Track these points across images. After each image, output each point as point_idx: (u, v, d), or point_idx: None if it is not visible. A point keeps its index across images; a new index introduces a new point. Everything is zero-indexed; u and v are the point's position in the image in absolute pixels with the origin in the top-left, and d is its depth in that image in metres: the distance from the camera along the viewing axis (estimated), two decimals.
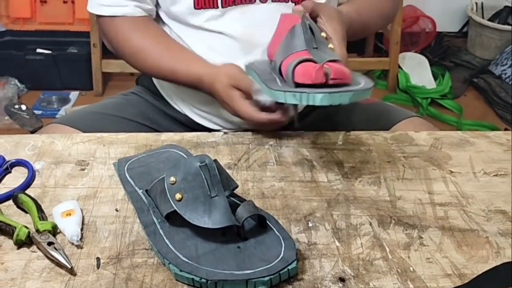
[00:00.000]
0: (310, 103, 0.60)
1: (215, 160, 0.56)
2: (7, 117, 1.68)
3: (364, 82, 0.64)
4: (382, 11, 0.88)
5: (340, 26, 0.71)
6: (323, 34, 0.69)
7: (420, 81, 2.07)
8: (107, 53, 1.89)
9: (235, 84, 0.71)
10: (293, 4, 0.80)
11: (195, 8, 0.78)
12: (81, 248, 0.55)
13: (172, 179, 0.55)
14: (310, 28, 0.67)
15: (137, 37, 0.80)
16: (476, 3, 2.26)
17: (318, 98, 0.59)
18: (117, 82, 2.01)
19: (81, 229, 0.56)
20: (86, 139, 0.73)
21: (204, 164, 0.55)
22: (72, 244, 0.55)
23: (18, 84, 1.83)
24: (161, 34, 0.82)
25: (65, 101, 1.91)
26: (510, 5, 2.23)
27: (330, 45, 0.68)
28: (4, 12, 2.01)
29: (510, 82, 1.97)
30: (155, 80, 0.92)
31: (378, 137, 0.76)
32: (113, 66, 1.88)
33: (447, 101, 2.02)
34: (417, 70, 2.10)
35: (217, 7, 0.78)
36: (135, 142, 0.73)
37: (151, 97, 0.91)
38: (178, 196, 0.54)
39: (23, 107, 1.67)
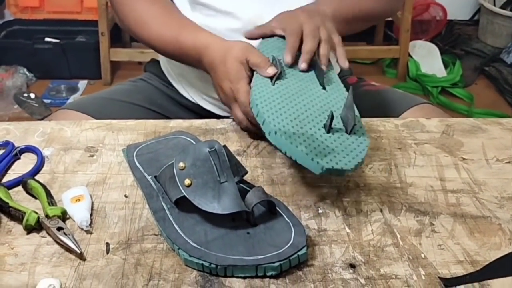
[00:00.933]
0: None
1: (224, 146, 0.56)
2: (16, 106, 1.69)
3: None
4: None
5: (311, 22, 0.70)
6: (323, 67, 0.68)
7: (430, 69, 2.04)
8: (115, 42, 1.89)
9: (248, 56, 0.67)
10: None
11: None
12: (91, 233, 0.55)
13: (181, 164, 0.54)
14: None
15: (142, 3, 0.78)
16: None
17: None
18: (126, 71, 2.01)
19: (91, 215, 0.57)
20: (95, 126, 0.73)
21: (213, 149, 0.54)
22: (82, 229, 0.55)
23: (27, 73, 1.83)
24: (168, 4, 0.80)
25: (73, 90, 1.92)
26: None
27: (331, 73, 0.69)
28: (13, 1, 2.01)
29: None
30: (163, 67, 0.91)
31: (388, 124, 0.75)
32: (122, 55, 1.88)
33: (457, 89, 1.99)
34: (427, 58, 2.08)
35: None
36: (144, 128, 0.73)
37: (159, 83, 0.91)
38: (187, 181, 0.54)
39: (32, 95, 1.68)
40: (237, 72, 0.68)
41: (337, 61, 0.74)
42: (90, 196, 0.59)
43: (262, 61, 0.67)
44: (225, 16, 0.79)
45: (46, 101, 1.82)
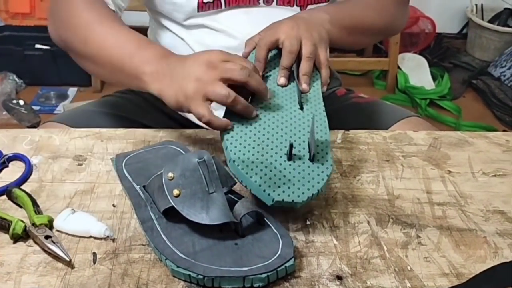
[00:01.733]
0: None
1: (213, 157, 0.56)
2: (5, 112, 1.67)
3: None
4: (376, 7, 0.82)
5: (307, 31, 0.69)
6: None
7: (419, 81, 2.07)
8: None
9: (227, 57, 0.60)
10: (298, 8, 0.80)
11: (198, 12, 0.78)
12: (77, 243, 0.54)
13: (170, 174, 0.54)
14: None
15: (87, 11, 0.69)
16: (476, 5, 2.26)
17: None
18: None
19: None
20: (84, 134, 0.73)
21: (202, 160, 0.54)
22: (106, 238, 0.55)
23: (17, 79, 1.82)
24: (114, 15, 0.72)
25: (63, 97, 1.90)
26: (510, 7, 2.23)
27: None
28: (3, 7, 2.00)
29: (509, 84, 1.98)
30: None
31: (377, 136, 0.76)
32: None
33: (445, 102, 2.02)
34: (416, 70, 2.10)
35: (221, 8, 0.78)
36: (133, 138, 0.73)
37: (149, 95, 0.91)
38: (175, 192, 0.54)
39: (21, 102, 1.67)
40: (213, 67, 0.59)
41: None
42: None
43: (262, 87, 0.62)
44: (221, 34, 0.80)
45: (36, 108, 1.81)
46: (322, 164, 0.58)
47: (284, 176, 0.56)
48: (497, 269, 0.54)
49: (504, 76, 2.01)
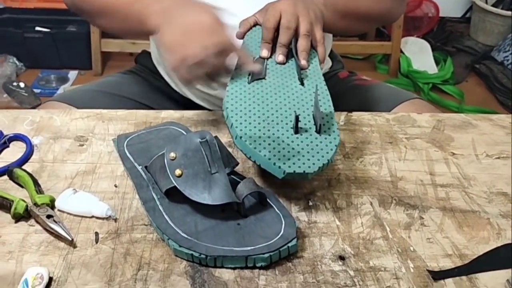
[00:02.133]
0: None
1: (216, 137, 0.55)
2: (5, 95, 1.66)
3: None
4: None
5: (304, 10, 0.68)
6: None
7: (422, 66, 2.05)
8: (106, 33, 1.87)
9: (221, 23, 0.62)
10: None
11: None
12: (79, 222, 0.54)
13: (172, 154, 0.54)
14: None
15: None
16: None
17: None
18: (116, 62, 1.99)
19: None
20: (85, 115, 0.72)
21: (204, 140, 0.54)
22: (109, 217, 0.55)
23: (17, 62, 1.81)
24: None
25: (63, 80, 1.89)
26: None
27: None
28: None
29: None
30: (154, 59, 0.90)
31: (380, 118, 0.75)
32: (113, 45, 1.86)
33: (448, 86, 2.00)
34: (419, 55, 2.08)
35: None
36: (134, 119, 0.72)
37: (150, 76, 0.90)
38: (178, 172, 0.53)
39: (22, 84, 1.66)
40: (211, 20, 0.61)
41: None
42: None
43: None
44: (220, 12, 0.78)
45: (36, 90, 1.79)
46: (329, 135, 0.58)
47: (293, 148, 0.55)
48: (500, 250, 0.54)
49: (507, 60, 1.99)
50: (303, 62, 0.67)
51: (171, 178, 0.53)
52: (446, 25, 2.28)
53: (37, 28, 1.90)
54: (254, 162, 0.56)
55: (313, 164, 0.54)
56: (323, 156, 0.55)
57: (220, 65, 0.63)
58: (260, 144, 0.55)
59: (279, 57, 0.68)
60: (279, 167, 0.53)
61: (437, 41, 2.18)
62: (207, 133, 0.55)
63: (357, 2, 0.80)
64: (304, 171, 0.53)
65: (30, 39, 1.86)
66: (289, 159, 0.54)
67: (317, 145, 0.56)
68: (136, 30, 0.69)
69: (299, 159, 0.54)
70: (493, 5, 2.21)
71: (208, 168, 0.53)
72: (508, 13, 2.16)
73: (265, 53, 0.69)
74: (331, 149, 0.56)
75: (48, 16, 1.93)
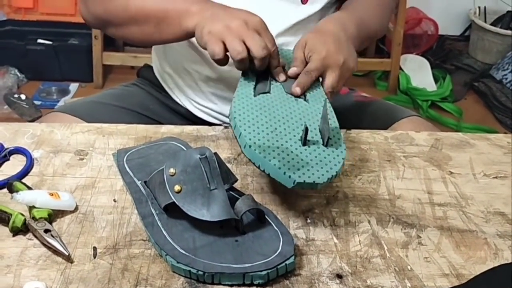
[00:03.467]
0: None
1: (215, 153, 0.56)
2: (6, 106, 1.67)
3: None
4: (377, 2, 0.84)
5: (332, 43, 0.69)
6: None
7: (421, 83, 2.07)
8: (108, 46, 1.89)
9: (261, 29, 0.65)
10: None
11: None
12: (78, 237, 0.54)
13: (172, 170, 0.54)
14: None
15: None
16: (479, 7, 2.26)
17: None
18: (117, 75, 2.00)
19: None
20: (85, 129, 0.73)
21: (204, 156, 0.54)
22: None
23: (18, 74, 1.82)
24: None
25: (64, 92, 1.90)
26: None
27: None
28: (6, 1, 2.00)
29: (511, 87, 1.98)
30: (156, 72, 0.91)
31: (378, 136, 0.76)
32: (114, 58, 1.87)
33: (447, 104, 2.02)
34: (418, 72, 2.10)
35: None
36: (134, 133, 0.73)
37: (152, 89, 0.91)
38: (177, 188, 0.54)
39: (23, 96, 1.66)
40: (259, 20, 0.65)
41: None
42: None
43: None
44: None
45: (37, 102, 1.80)
46: (336, 148, 0.59)
47: (302, 159, 0.56)
48: (497, 270, 0.54)
49: (506, 79, 2.01)
50: (296, 89, 0.66)
51: (170, 194, 0.54)
52: (445, 43, 2.31)
53: (39, 41, 1.92)
54: (263, 171, 0.56)
55: (322, 175, 0.55)
56: (331, 168, 0.56)
57: (263, 66, 0.65)
58: (269, 153, 0.56)
59: (296, 89, 0.66)
60: (289, 176, 0.54)
61: (436, 59, 2.20)
62: (206, 150, 0.55)
63: (373, 26, 0.82)
64: (314, 181, 0.54)
65: (32, 51, 1.87)
66: (298, 169, 0.55)
67: (325, 157, 0.57)
68: (173, 32, 0.71)
69: (308, 170, 0.55)
70: (492, 24, 2.23)
71: (207, 184, 0.54)
72: (507, 32, 2.18)
73: (282, 77, 0.68)
74: (339, 162, 0.57)
75: (50, 28, 1.95)
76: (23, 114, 1.65)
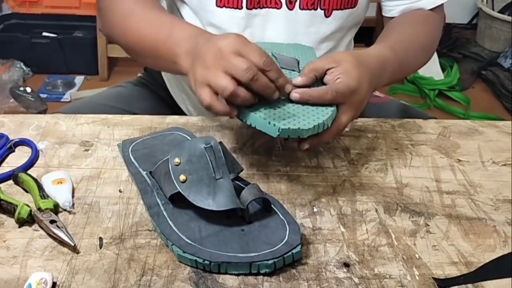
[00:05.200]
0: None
1: (220, 143, 0.55)
2: (12, 100, 1.68)
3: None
4: (420, 43, 0.77)
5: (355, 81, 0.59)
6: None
7: (428, 72, 2.05)
8: None
9: (241, 48, 0.55)
10: (323, 11, 0.76)
11: (217, 5, 0.74)
12: (84, 227, 0.54)
13: (177, 160, 0.54)
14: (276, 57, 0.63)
15: (128, 2, 0.71)
16: None
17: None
18: (123, 67, 2.00)
19: (72, 197, 0.57)
20: (90, 120, 0.73)
21: (209, 145, 0.54)
22: (65, 210, 0.56)
23: (24, 67, 1.82)
24: (157, 5, 0.73)
25: (70, 85, 1.91)
26: None
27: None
28: None
29: None
30: (163, 74, 0.91)
31: (385, 124, 0.75)
32: (119, 51, 1.86)
33: (454, 93, 2.00)
34: None
35: (241, 8, 0.74)
36: (139, 124, 0.72)
37: (158, 88, 0.90)
38: (182, 177, 0.53)
39: (28, 89, 1.67)
40: (226, 50, 0.55)
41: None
42: (71, 180, 0.60)
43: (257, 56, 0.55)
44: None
45: (42, 95, 1.81)
46: (326, 107, 0.58)
47: (289, 112, 0.56)
48: (507, 258, 0.53)
49: None
50: (296, 95, 0.58)
51: (176, 184, 0.53)
52: (452, 32, 2.28)
53: (44, 34, 1.92)
54: (250, 125, 0.56)
55: (308, 123, 0.55)
56: (318, 118, 0.56)
57: (262, 86, 0.55)
58: (256, 107, 0.56)
59: (294, 94, 0.58)
60: (274, 124, 0.54)
61: (443, 48, 2.18)
62: (211, 139, 0.55)
63: (406, 70, 0.77)
64: (299, 128, 0.54)
65: (37, 45, 1.87)
66: (283, 119, 0.55)
67: (313, 110, 0.57)
68: (171, 70, 0.69)
69: (294, 119, 0.55)
70: (499, 12, 2.20)
71: (213, 174, 0.53)
72: None
73: (288, 88, 0.58)
74: (327, 113, 0.57)
75: (55, 21, 1.95)
76: (29, 107, 1.66)
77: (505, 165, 0.68)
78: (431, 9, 0.81)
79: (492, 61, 2.08)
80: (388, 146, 0.70)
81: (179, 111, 0.89)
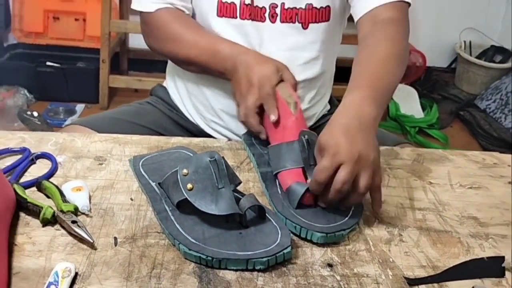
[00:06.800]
0: (308, 238, 0.62)
1: (223, 157, 0.64)
2: (18, 123, 1.74)
3: (350, 213, 0.65)
4: (391, 58, 0.77)
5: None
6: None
7: (409, 110, 2.17)
8: (114, 69, 1.98)
9: (282, 69, 0.78)
10: (300, 24, 0.87)
11: (217, 15, 0.86)
12: (100, 228, 0.62)
13: (185, 171, 0.62)
14: (308, 143, 0.67)
15: (177, 25, 0.86)
16: (465, 42, 2.40)
17: (316, 236, 0.61)
18: (122, 97, 2.09)
19: (89, 203, 0.65)
20: (103, 139, 0.81)
21: (213, 159, 0.62)
22: (83, 213, 0.63)
23: (27, 94, 1.90)
24: (198, 25, 0.88)
25: (71, 112, 1.98)
26: (496, 44, 2.37)
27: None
28: (18, 26, 2.10)
29: (494, 116, 2.09)
30: (170, 91, 1.00)
31: None
32: (120, 81, 1.97)
33: (434, 130, 2.11)
34: (407, 100, 2.21)
35: (236, 17, 0.86)
36: (147, 143, 0.81)
37: (164, 107, 0.99)
38: (189, 186, 0.61)
39: (35, 113, 1.75)
40: (272, 73, 0.77)
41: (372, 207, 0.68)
42: (87, 188, 0.67)
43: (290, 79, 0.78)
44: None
45: None
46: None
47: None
48: (469, 264, 0.62)
49: (490, 108, 2.12)
50: (321, 205, 0.65)
51: (183, 191, 0.61)
52: (432, 74, 2.43)
53: (49, 63, 2.02)
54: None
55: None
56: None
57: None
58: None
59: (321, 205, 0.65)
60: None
61: (423, 89, 2.32)
62: (215, 153, 0.63)
63: (389, 83, 0.76)
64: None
65: (42, 73, 1.96)
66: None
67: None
68: (217, 76, 0.85)
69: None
70: (476, 57, 2.36)
71: (216, 184, 0.61)
72: (491, 64, 2.31)
73: (309, 201, 0.64)
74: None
75: (59, 52, 2.05)
76: (35, 130, 1.73)
77: (471, 188, 0.77)
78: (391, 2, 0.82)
79: (469, 102, 2.22)
80: None
81: (181, 122, 0.97)
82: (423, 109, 2.21)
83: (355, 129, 0.64)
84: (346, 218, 0.64)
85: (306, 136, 0.69)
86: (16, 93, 1.85)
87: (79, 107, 2.03)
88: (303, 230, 0.62)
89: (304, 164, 0.68)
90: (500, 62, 2.32)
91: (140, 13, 0.90)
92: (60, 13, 2.07)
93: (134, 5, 0.90)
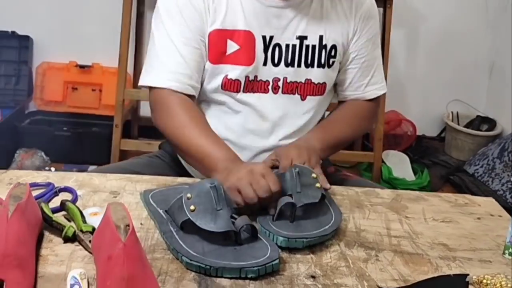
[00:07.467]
0: (274, 241, 0.73)
1: (222, 185, 0.75)
2: None
3: (330, 223, 0.78)
4: (351, 123, 1.07)
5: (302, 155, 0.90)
6: (314, 175, 0.82)
7: (401, 174, 2.28)
8: (126, 136, 2.13)
9: (267, 174, 0.82)
10: (299, 96, 1.00)
11: (222, 88, 0.97)
12: None
13: (189, 195, 0.73)
14: (298, 174, 0.82)
15: (182, 113, 0.93)
16: (452, 112, 2.57)
17: (279, 240, 0.73)
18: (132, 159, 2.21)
19: None
20: (117, 178, 0.92)
21: (213, 185, 0.74)
22: None
23: (44, 156, 2.03)
24: (201, 116, 0.96)
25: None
26: (482, 115, 2.54)
27: (317, 185, 0.81)
28: (39, 95, 2.29)
29: (482, 180, 2.19)
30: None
31: (351, 191, 0.95)
32: (131, 144, 2.10)
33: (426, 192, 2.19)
34: (399, 165, 2.33)
35: (239, 92, 0.98)
36: (156, 182, 0.92)
37: (170, 161, 1.11)
38: (192, 207, 0.72)
39: (53, 169, 1.86)
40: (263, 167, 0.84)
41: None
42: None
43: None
44: (237, 113, 1.00)
45: None
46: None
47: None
48: (436, 279, 0.70)
49: (478, 173, 2.23)
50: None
51: (187, 212, 0.72)
52: (422, 142, 2.57)
53: (65, 128, 2.17)
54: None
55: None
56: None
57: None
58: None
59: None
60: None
61: (415, 155, 2.44)
62: (215, 180, 0.74)
63: (341, 134, 1.04)
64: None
65: (59, 137, 2.11)
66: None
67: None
68: (205, 174, 0.92)
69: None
70: (464, 126, 2.51)
71: (215, 206, 0.72)
72: (478, 132, 2.46)
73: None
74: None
75: (76, 119, 2.22)
76: None
77: (443, 221, 0.87)
78: (372, 99, 1.09)
79: (459, 167, 2.33)
80: (352, 204, 0.90)
81: (184, 175, 1.06)
82: (415, 173, 2.32)
83: (303, 148, 0.93)
84: (315, 231, 0.75)
85: (297, 169, 0.83)
86: (34, 154, 1.99)
87: (91, 168, 2.15)
88: (270, 235, 0.74)
89: (292, 191, 0.82)
90: (486, 130, 2.47)
91: (150, 89, 0.97)
92: (78, 84, 2.27)
93: (144, 81, 0.96)
